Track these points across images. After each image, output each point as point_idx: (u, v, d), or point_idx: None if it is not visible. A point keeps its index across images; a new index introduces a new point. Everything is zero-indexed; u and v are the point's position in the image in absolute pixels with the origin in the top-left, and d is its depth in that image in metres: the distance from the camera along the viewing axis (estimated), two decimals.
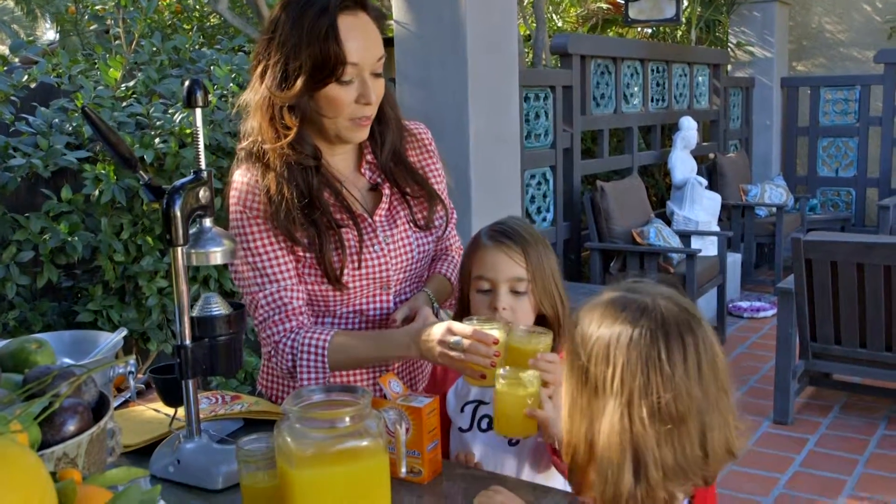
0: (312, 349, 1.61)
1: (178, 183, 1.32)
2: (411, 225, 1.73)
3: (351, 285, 1.66)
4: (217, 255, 1.35)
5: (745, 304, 6.09)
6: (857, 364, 4.04)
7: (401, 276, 1.73)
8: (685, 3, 7.37)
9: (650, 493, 1.06)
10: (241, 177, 1.66)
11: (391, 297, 1.73)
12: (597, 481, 1.09)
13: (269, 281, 1.63)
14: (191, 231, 1.36)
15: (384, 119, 1.71)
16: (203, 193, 1.35)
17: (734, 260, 6.22)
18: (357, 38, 1.56)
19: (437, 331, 1.50)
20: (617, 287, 1.19)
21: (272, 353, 1.67)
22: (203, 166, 1.36)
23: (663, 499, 1.08)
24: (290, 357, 1.63)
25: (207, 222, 1.37)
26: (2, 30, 11.32)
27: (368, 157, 1.73)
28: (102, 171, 3.18)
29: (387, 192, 1.72)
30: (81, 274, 3.42)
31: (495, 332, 1.47)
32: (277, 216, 1.60)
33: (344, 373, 1.72)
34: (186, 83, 1.34)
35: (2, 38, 12.46)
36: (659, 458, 1.05)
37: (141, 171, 1.36)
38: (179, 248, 1.33)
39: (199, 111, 1.35)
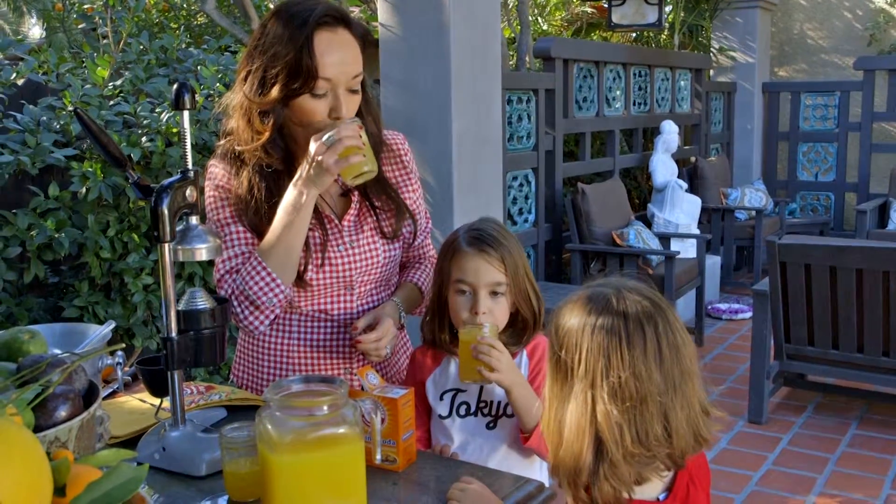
0: (251, 266, 1.64)
1: (165, 182, 1.38)
2: (377, 233, 1.79)
3: (315, 283, 1.73)
4: (203, 252, 1.41)
5: (723, 306, 6.18)
6: (830, 365, 4.12)
7: (365, 278, 1.79)
8: (668, 8, 7.47)
9: (614, 471, 1.13)
10: (217, 167, 1.75)
11: (355, 299, 1.79)
12: (563, 460, 1.17)
13: (228, 247, 1.71)
14: (177, 228, 1.42)
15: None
16: (190, 192, 1.41)
17: (713, 262, 6.31)
18: (333, 53, 1.61)
19: (311, 147, 1.58)
20: (591, 282, 1.27)
21: (232, 307, 1.68)
22: (190, 166, 1.42)
23: (631, 479, 1.16)
24: (241, 292, 1.66)
25: (194, 220, 1.43)
26: None
27: None
28: (89, 169, 3.22)
29: (356, 199, 1.77)
30: (68, 270, 3.47)
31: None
32: (247, 213, 1.69)
33: (324, 366, 1.79)
34: (175, 86, 1.39)
35: None
36: (618, 435, 1.14)
37: (130, 170, 1.41)
38: (167, 245, 1.38)
39: (186, 113, 1.41)
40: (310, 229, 1.68)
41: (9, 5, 9.48)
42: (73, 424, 1.11)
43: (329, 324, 1.79)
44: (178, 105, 1.39)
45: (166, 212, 1.37)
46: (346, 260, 1.74)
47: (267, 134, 1.66)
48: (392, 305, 1.80)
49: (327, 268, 1.72)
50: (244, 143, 1.69)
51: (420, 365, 1.81)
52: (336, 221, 1.75)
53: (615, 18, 6.29)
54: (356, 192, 1.76)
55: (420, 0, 3.79)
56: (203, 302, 1.43)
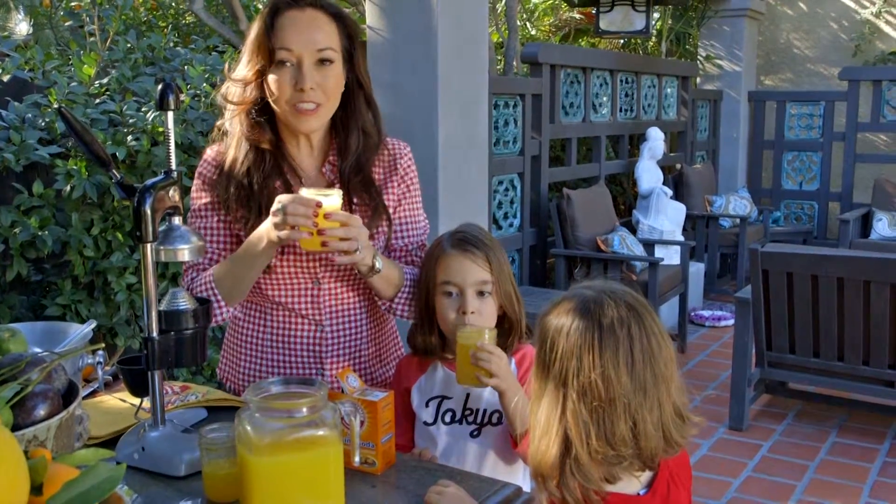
0: (202, 284, 1.72)
1: (149, 182, 1.39)
2: None
3: (279, 270, 1.76)
4: (185, 252, 1.41)
5: (706, 313, 6.22)
6: (811, 373, 4.16)
7: (330, 274, 1.80)
8: (656, 16, 7.51)
9: (579, 468, 1.15)
10: (208, 152, 1.84)
11: (322, 295, 1.80)
12: (533, 456, 1.19)
13: None
14: (160, 229, 1.42)
15: (349, 127, 1.79)
16: (173, 193, 1.41)
17: (697, 269, 6.34)
18: (295, 26, 1.67)
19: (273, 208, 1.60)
20: (578, 284, 1.30)
21: None
22: (174, 166, 1.43)
23: (597, 476, 1.18)
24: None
25: (177, 220, 1.44)
26: None
27: (331, 159, 1.81)
28: (74, 167, 3.21)
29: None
30: (51, 268, 3.45)
31: (330, 197, 1.57)
32: (226, 188, 1.74)
33: (295, 364, 1.82)
34: (160, 86, 1.40)
35: None
36: (584, 434, 1.16)
37: (114, 170, 1.41)
38: (149, 245, 1.38)
39: (170, 114, 1.41)
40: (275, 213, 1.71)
41: None
42: (51, 423, 1.11)
43: (299, 320, 1.81)
44: (162, 105, 1.40)
45: (149, 212, 1.37)
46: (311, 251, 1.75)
47: (246, 105, 1.72)
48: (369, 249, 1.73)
49: (291, 255, 1.74)
50: (228, 115, 1.76)
51: (405, 373, 1.82)
52: None
53: (603, 25, 6.32)
54: (338, 185, 1.77)
55: (408, 4, 3.80)
56: (184, 302, 1.44)
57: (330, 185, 1.78)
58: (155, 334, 1.40)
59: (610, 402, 1.17)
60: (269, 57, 1.68)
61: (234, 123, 1.76)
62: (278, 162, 1.76)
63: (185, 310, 1.43)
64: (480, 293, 1.71)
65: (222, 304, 1.72)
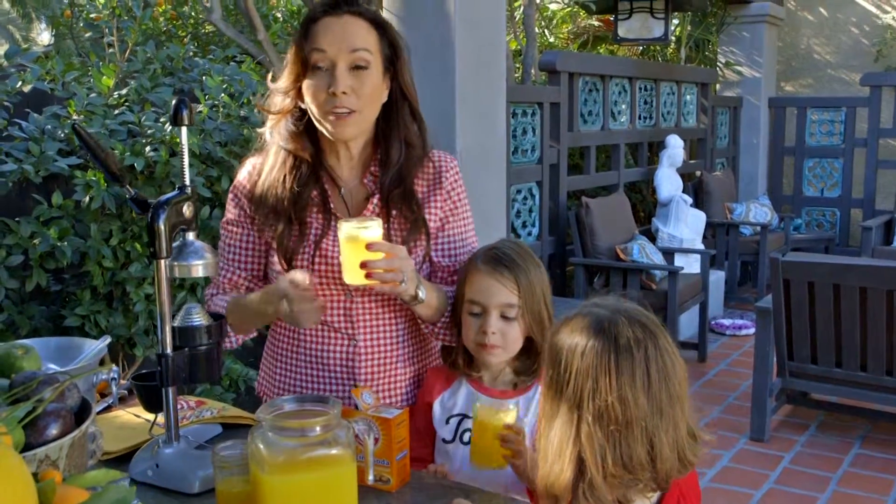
0: (217, 308, 1.73)
1: (163, 198, 1.38)
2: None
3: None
4: (199, 268, 1.40)
5: (727, 322, 6.16)
6: (833, 383, 4.10)
7: (363, 287, 1.75)
8: (675, 23, 7.47)
9: (593, 491, 1.13)
10: (247, 161, 1.82)
11: (354, 309, 1.74)
12: (545, 478, 1.17)
13: (222, 252, 1.79)
14: (175, 244, 1.41)
15: (391, 139, 1.74)
16: (187, 208, 1.41)
17: (718, 277, 6.29)
18: (329, 29, 1.65)
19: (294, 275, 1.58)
20: (589, 302, 1.27)
21: None
22: (188, 182, 1.42)
23: (611, 499, 1.15)
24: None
25: (191, 236, 1.43)
26: None
27: (373, 170, 1.76)
28: (93, 178, 3.22)
29: (375, 201, 1.74)
30: (70, 278, 3.47)
31: (370, 229, 1.54)
32: (260, 196, 1.72)
33: (325, 379, 1.79)
34: (174, 101, 1.40)
35: None
36: (600, 457, 1.13)
37: (128, 185, 1.41)
38: (163, 261, 1.38)
39: (184, 129, 1.41)
40: (310, 223, 1.70)
41: (18, 11, 9.53)
42: (63, 443, 1.11)
43: (332, 334, 1.76)
44: (175, 121, 1.39)
45: (163, 227, 1.37)
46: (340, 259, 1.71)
47: (283, 114, 1.72)
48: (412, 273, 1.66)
49: (322, 265, 1.71)
50: (268, 125, 1.75)
51: (431, 385, 1.77)
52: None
53: (621, 32, 6.29)
54: (377, 196, 1.74)
55: (425, 14, 3.79)
56: (199, 318, 1.43)
57: (370, 196, 1.74)
58: (169, 350, 1.40)
59: (627, 425, 1.14)
60: (304, 63, 1.66)
61: (273, 133, 1.75)
62: (316, 171, 1.73)
63: (200, 326, 1.42)
64: (505, 316, 1.65)
65: (231, 335, 1.72)
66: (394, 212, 1.74)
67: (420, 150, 1.78)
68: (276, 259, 1.73)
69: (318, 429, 1.20)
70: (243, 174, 1.80)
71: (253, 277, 1.82)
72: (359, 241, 1.53)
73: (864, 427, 4.35)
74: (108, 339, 1.52)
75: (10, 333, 3.29)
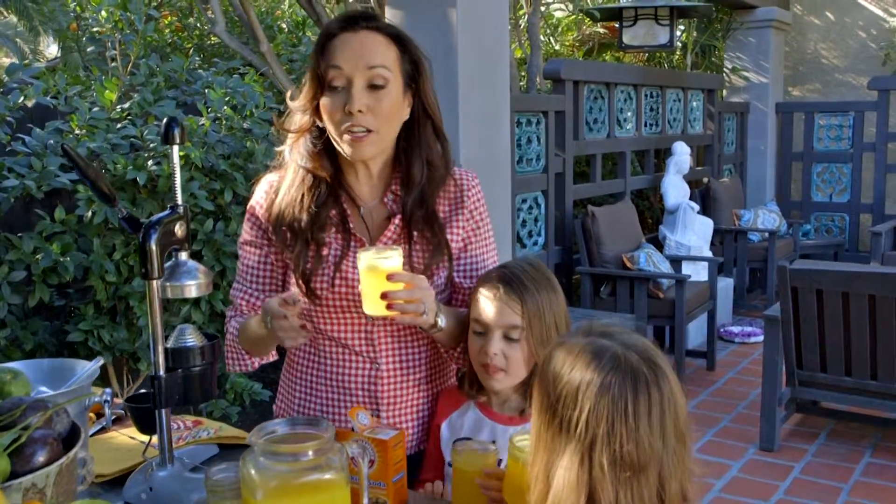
0: (230, 334, 1.71)
1: (154, 217, 1.36)
2: (406, 264, 1.67)
3: (330, 302, 1.67)
4: (192, 289, 1.39)
5: (736, 329, 6.12)
6: (843, 392, 4.06)
7: None
8: (681, 29, 7.44)
9: None
10: (264, 179, 1.77)
11: (376, 330, 1.70)
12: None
13: (237, 276, 1.77)
14: (167, 264, 1.40)
15: (412, 158, 1.69)
16: (179, 228, 1.39)
17: (726, 285, 6.25)
18: (347, 46, 1.59)
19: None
20: (589, 329, 1.21)
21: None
22: (180, 201, 1.40)
23: None
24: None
25: (183, 256, 1.41)
26: (5, 45, 11.41)
27: (394, 188, 1.71)
28: (111, 188, 3.21)
29: (397, 222, 1.69)
30: (74, 293, 3.46)
31: (391, 259, 1.50)
32: (276, 214, 1.68)
33: (306, 408, 1.76)
34: (164, 121, 1.38)
35: (5, 52, 12.55)
36: (612, 498, 1.09)
37: (119, 206, 1.39)
38: (155, 282, 1.36)
39: (175, 148, 1.39)
40: (328, 243, 1.66)
41: (25, 25, 9.57)
42: (50, 470, 1.09)
43: (353, 357, 1.72)
44: (167, 140, 1.38)
45: (154, 248, 1.35)
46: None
47: (301, 132, 1.68)
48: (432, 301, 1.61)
49: (343, 287, 1.66)
50: (288, 144, 1.71)
51: (443, 406, 1.73)
52: (366, 242, 1.68)
53: (626, 39, 6.27)
54: (399, 217, 1.69)
55: (427, 23, 3.78)
56: (192, 339, 1.41)
57: (391, 216, 1.69)
58: (162, 372, 1.38)
59: (642, 469, 1.10)
60: (320, 81, 1.61)
61: (292, 151, 1.70)
62: (335, 191, 1.68)
63: (193, 347, 1.40)
64: (508, 337, 1.59)
65: (245, 357, 1.69)
66: (415, 234, 1.69)
67: (443, 170, 1.72)
68: (294, 280, 1.68)
69: (310, 453, 1.17)
70: (260, 192, 1.75)
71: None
72: (378, 271, 1.49)
73: (874, 436, 4.31)
74: (101, 361, 1.50)
75: (13, 349, 3.29)
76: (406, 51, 1.66)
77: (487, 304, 1.60)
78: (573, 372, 1.15)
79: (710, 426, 4.46)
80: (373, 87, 1.58)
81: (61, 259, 3.18)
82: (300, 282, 1.66)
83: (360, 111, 1.57)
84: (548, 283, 1.63)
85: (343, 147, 1.62)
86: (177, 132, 1.38)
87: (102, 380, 3.56)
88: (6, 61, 12.37)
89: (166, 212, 1.39)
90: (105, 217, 3.19)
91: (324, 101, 1.61)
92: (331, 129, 1.62)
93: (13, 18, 10.06)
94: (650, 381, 1.13)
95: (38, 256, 3.16)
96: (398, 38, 1.65)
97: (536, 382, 1.19)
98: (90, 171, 1.35)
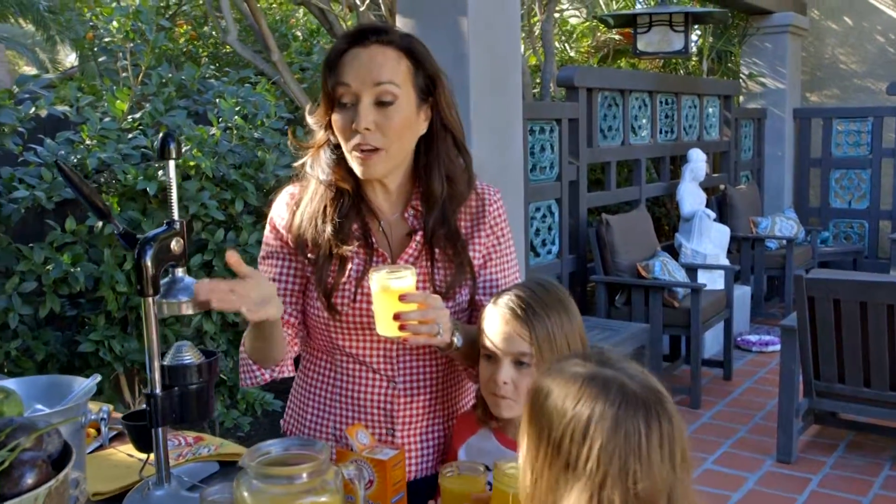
0: (244, 344, 1.65)
1: (150, 234, 1.35)
2: (429, 283, 1.64)
3: (349, 319, 1.63)
4: (188, 306, 1.36)
5: (753, 338, 6.05)
6: (862, 403, 4.00)
7: None
8: (697, 34, 7.40)
9: None
10: (284, 191, 1.73)
11: (394, 348, 1.66)
12: None
13: None
14: (163, 280, 1.38)
15: (431, 173, 1.64)
16: (175, 244, 1.37)
17: (743, 293, 6.19)
18: (356, 61, 1.55)
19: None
20: (588, 358, 1.16)
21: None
22: (176, 217, 1.38)
23: None
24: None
25: (180, 272, 1.39)
26: (24, 54, 11.50)
27: (414, 204, 1.67)
28: (106, 203, 3.21)
29: (418, 239, 1.65)
30: (86, 303, 3.46)
31: (404, 279, 1.47)
32: (298, 225, 1.64)
33: (319, 426, 1.73)
34: (160, 135, 1.36)
35: (25, 61, 12.66)
36: None
37: (114, 222, 1.38)
38: (150, 299, 1.34)
39: (172, 163, 1.37)
40: (351, 258, 1.63)
41: (42, 34, 9.65)
42: (39, 493, 1.06)
43: (370, 374, 1.68)
44: (162, 155, 1.36)
45: (149, 264, 1.33)
46: None
47: (317, 147, 1.65)
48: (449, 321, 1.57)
49: (364, 303, 1.61)
50: (308, 160, 1.68)
51: (459, 433, 1.67)
52: (388, 257, 1.65)
53: (641, 46, 6.23)
54: (420, 234, 1.65)
55: (438, 31, 3.76)
56: (189, 357, 1.39)
57: (412, 233, 1.66)
58: (158, 390, 1.36)
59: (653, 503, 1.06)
60: (330, 98, 1.58)
61: (314, 165, 1.67)
62: (357, 203, 1.64)
63: (190, 364, 1.38)
64: (519, 362, 1.52)
65: (255, 370, 1.63)
66: (437, 251, 1.65)
67: (464, 186, 1.67)
68: (314, 294, 1.65)
69: (304, 476, 1.15)
70: (280, 204, 1.71)
71: (291, 313, 1.71)
72: (391, 291, 1.46)
73: (894, 448, 4.23)
74: (97, 378, 1.48)
75: (25, 359, 3.29)
76: (420, 64, 1.61)
77: (496, 330, 1.54)
78: (579, 406, 1.08)
79: (726, 437, 4.40)
80: (381, 103, 1.55)
81: (72, 270, 3.17)
82: (321, 297, 1.63)
83: (367, 129, 1.54)
84: (559, 305, 1.56)
85: (353, 165, 1.59)
86: (172, 147, 1.36)
87: (115, 391, 3.56)
88: (26, 70, 12.48)
89: (162, 228, 1.37)
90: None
91: (334, 118, 1.58)
92: (342, 145, 1.60)
93: (31, 27, 10.14)
94: (659, 412, 1.08)
95: (48, 267, 3.16)
96: (410, 52, 1.60)
97: (531, 416, 1.12)
98: (84, 188, 1.34)
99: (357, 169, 1.59)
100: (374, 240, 1.65)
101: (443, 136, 1.65)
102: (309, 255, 1.64)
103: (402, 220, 1.68)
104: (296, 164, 1.71)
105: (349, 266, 1.63)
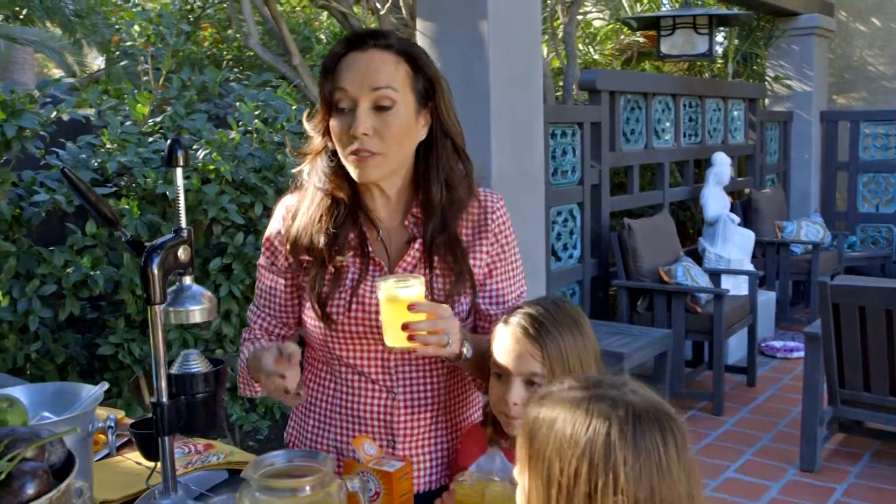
0: (244, 353, 1.69)
1: (157, 241, 1.34)
2: (427, 291, 1.59)
3: (345, 328, 1.62)
4: (196, 314, 1.35)
5: (778, 344, 5.98)
6: (888, 412, 3.93)
7: None
8: (721, 37, 7.32)
9: None
10: (281, 203, 1.73)
11: (392, 358, 1.64)
12: None
13: (255, 296, 1.78)
14: (171, 288, 1.37)
15: (430, 179, 1.63)
16: (183, 252, 1.36)
17: (768, 298, 6.11)
18: (354, 66, 1.54)
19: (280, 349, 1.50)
20: (585, 383, 1.12)
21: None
22: (183, 224, 1.37)
23: None
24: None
25: (187, 280, 1.38)
26: (52, 57, 11.62)
27: (414, 211, 1.65)
28: (126, 207, 3.23)
29: (417, 246, 1.63)
30: (105, 306, 3.47)
31: (411, 288, 1.45)
32: (294, 234, 1.64)
33: (319, 437, 1.72)
34: (168, 142, 1.35)
35: (54, 64, 12.78)
36: None
37: (122, 229, 1.37)
38: (158, 307, 1.33)
39: (179, 170, 1.37)
40: (346, 267, 1.61)
41: (69, 38, 9.74)
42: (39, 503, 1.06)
43: (369, 385, 1.66)
44: (170, 162, 1.35)
45: (156, 272, 1.32)
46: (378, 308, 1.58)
47: (315, 154, 1.65)
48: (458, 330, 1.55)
49: (360, 312, 1.61)
50: (307, 167, 1.68)
51: (467, 450, 1.64)
52: (384, 266, 1.63)
53: (664, 49, 6.18)
54: (419, 242, 1.63)
55: (458, 35, 3.75)
56: (197, 365, 1.38)
57: (411, 241, 1.63)
58: (164, 399, 1.35)
59: None
60: (328, 103, 1.57)
61: (311, 173, 1.66)
62: (354, 212, 1.63)
63: (197, 373, 1.37)
64: (530, 381, 1.49)
65: (255, 385, 1.65)
66: (436, 258, 1.63)
67: (464, 192, 1.64)
68: (309, 305, 1.64)
69: (307, 488, 1.14)
70: (277, 218, 1.71)
71: (284, 325, 1.75)
72: (399, 301, 1.43)
73: None
74: (105, 386, 1.48)
75: (45, 361, 3.31)
76: (419, 69, 1.59)
77: (507, 349, 1.50)
78: (591, 430, 1.02)
79: (749, 445, 4.35)
80: (379, 108, 1.53)
81: (92, 273, 3.19)
82: (315, 306, 1.62)
83: (365, 134, 1.52)
84: (572, 323, 1.52)
85: (350, 169, 1.58)
86: (180, 154, 1.35)
87: (134, 393, 3.57)
88: (55, 73, 12.60)
89: (169, 235, 1.36)
90: (136, 231, 3.19)
91: (332, 123, 1.57)
92: (339, 151, 1.58)
93: (58, 31, 10.24)
94: (671, 424, 1.05)
95: (68, 270, 3.18)
96: (409, 56, 1.58)
97: (531, 452, 1.06)
98: (91, 195, 1.33)
99: (353, 172, 1.57)
100: (370, 249, 1.63)
101: (443, 141, 1.63)
102: (304, 264, 1.64)
103: (403, 228, 1.66)
104: (294, 171, 1.71)
105: (344, 276, 1.62)
